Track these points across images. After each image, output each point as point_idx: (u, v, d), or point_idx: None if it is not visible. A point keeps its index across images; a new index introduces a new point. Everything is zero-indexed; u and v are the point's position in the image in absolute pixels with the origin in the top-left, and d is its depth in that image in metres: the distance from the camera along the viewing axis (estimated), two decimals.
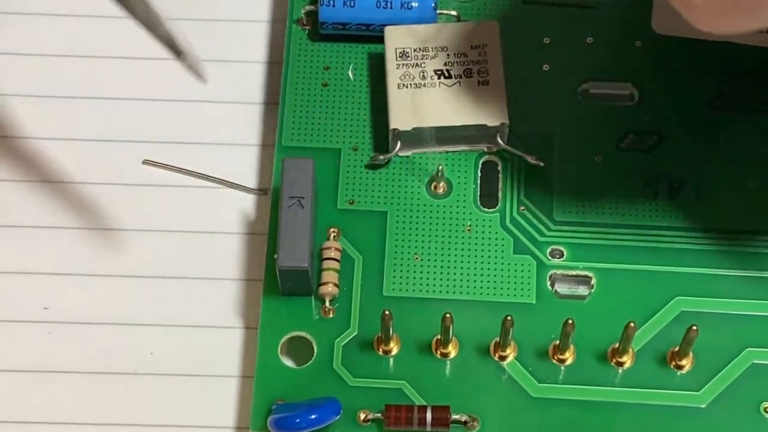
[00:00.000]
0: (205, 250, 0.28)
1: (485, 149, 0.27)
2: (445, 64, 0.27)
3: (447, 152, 0.27)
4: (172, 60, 0.29)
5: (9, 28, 0.31)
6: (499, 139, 0.27)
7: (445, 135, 0.27)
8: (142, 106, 0.30)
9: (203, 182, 0.29)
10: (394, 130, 0.27)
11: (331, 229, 0.27)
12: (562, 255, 0.26)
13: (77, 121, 0.29)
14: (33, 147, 0.29)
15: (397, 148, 0.27)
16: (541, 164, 0.27)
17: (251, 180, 0.29)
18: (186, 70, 0.25)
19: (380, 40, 0.28)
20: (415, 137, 0.27)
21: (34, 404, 0.27)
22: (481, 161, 0.27)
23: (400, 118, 0.27)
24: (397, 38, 0.27)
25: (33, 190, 0.29)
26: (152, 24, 0.25)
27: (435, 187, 0.27)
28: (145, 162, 0.29)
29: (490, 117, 0.26)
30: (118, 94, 0.30)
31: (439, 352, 0.25)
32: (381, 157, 0.27)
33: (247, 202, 0.28)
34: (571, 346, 0.25)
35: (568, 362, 0.25)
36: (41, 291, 0.28)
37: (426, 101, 0.27)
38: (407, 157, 0.27)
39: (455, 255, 0.26)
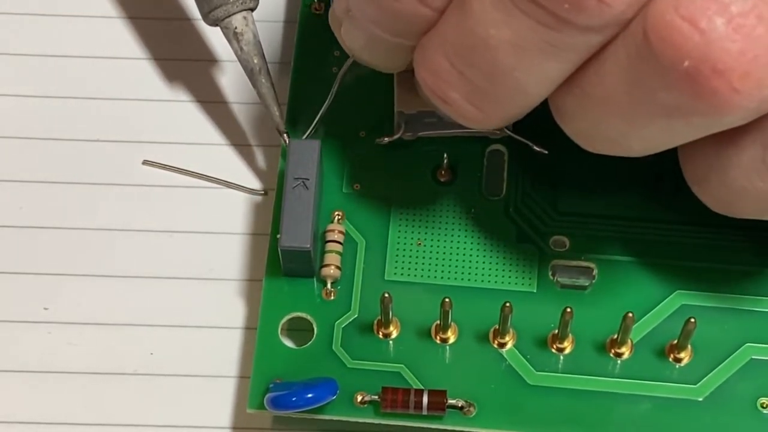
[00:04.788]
0: (205, 250, 0.33)
1: (490, 135, 0.32)
2: None
3: (452, 137, 0.32)
4: (172, 60, 0.35)
5: (8, 29, 0.36)
6: (504, 126, 0.32)
7: (450, 119, 0.30)
8: (142, 106, 0.35)
9: (203, 182, 0.34)
10: (400, 112, 0.32)
11: (336, 212, 0.32)
12: (565, 245, 0.32)
13: (77, 121, 0.34)
14: (33, 147, 0.34)
15: (402, 131, 0.32)
16: (545, 152, 0.31)
17: (252, 180, 0.34)
18: (282, 142, 0.32)
19: None
20: (420, 120, 0.32)
21: (34, 404, 0.31)
22: (487, 150, 0.33)
23: (405, 101, 0.32)
24: None
25: (33, 190, 0.34)
26: (269, 103, 0.32)
27: (440, 173, 0.32)
28: (145, 162, 0.34)
29: None
30: (117, 94, 0.35)
31: (438, 337, 0.30)
32: (386, 139, 0.32)
33: (248, 203, 0.34)
34: (570, 335, 0.30)
35: (567, 351, 0.30)
36: (41, 291, 0.32)
37: None
38: (413, 142, 0.32)
39: (458, 242, 0.31)
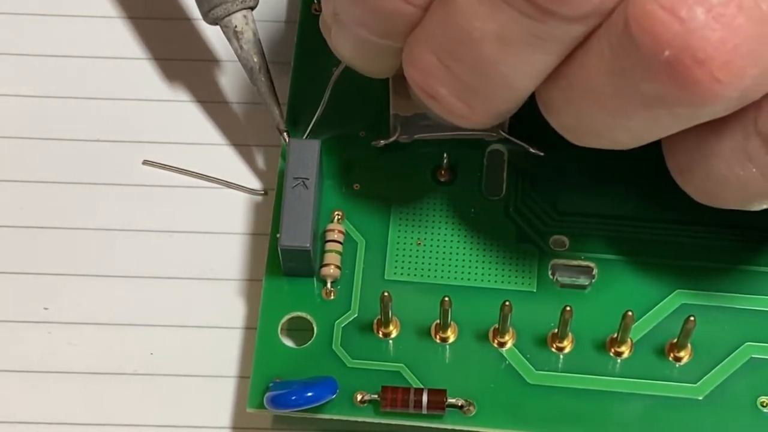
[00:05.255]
0: (205, 250, 0.33)
1: (487, 138, 0.33)
2: None
3: (448, 139, 0.32)
4: (172, 60, 0.35)
5: (9, 29, 0.36)
6: (499, 128, 0.32)
7: (446, 122, 0.31)
8: (143, 106, 0.35)
9: (203, 182, 0.34)
10: (395, 115, 0.32)
11: (336, 212, 0.32)
12: (565, 245, 0.32)
13: (77, 121, 0.35)
14: (33, 147, 0.35)
15: (398, 134, 0.32)
16: (541, 154, 0.32)
17: (252, 180, 0.34)
18: (282, 141, 0.32)
19: None
20: (416, 123, 0.32)
21: (34, 404, 0.32)
22: (487, 150, 0.33)
23: (400, 104, 0.32)
24: None
25: (33, 190, 0.34)
26: (269, 102, 0.33)
27: (440, 173, 0.33)
28: (145, 162, 0.34)
29: None
30: (117, 94, 0.35)
31: (438, 336, 0.31)
32: (382, 142, 0.32)
33: (248, 202, 0.34)
34: (570, 334, 0.30)
35: (567, 350, 0.31)
36: (41, 291, 0.33)
37: None
38: (412, 142, 0.33)
39: (458, 241, 0.32)
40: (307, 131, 0.33)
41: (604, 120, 0.28)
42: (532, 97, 0.29)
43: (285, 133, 0.33)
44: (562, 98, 0.28)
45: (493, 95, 0.28)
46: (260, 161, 0.35)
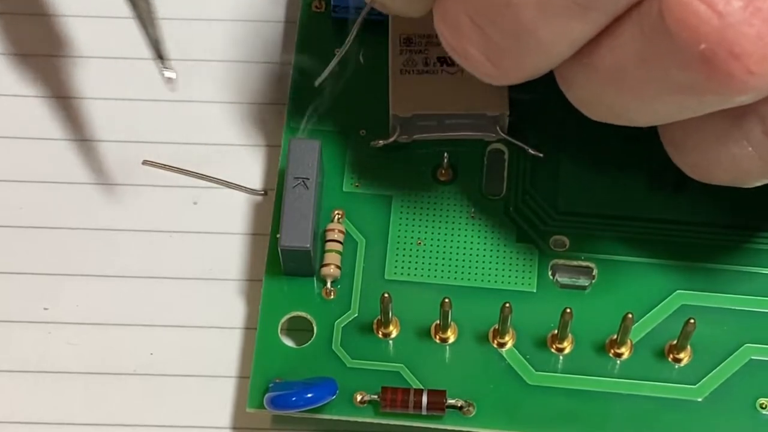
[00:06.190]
0: (205, 250, 0.33)
1: (486, 138, 0.33)
2: None
3: (448, 139, 0.33)
4: (172, 60, 0.34)
5: (9, 29, 0.36)
6: (498, 129, 0.33)
7: (445, 123, 0.32)
8: (142, 106, 0.35)
9: (203, 182, 0.34)
10: (395, 115, 0.32)
11: (336, 211, 0.32)
12: (565, 245, 0.32)
13: (77, 121, 0.35)
14: (33, 147, 0.35)
15: (397, 134, 0.33)
16: (540, 155, 0.32)
17: (252, 180, 0.34)
18: (159, 74, 0.31)
19: None
20: (415, 123, 0.32)
21: (34, 404, 0.32)
22: (487, 149, 0.33)
23: (400, 104, 0.32)
24: (402, 24, 0.33)
25: (33, 190, 0.34)
26: (146, 22, 0.31)
27: (440, 173, 0.33)
28: (145, 162, 0.34)
29: (490, 106, 0.32)
30: (117, 94, 0.35)
31: (438, 337, 0.31)
32: (381, 142, 0.33)
33: (248, 203, 0.34)
34: (570, 335, 0.31)
35: (567, 351, 0.31)
36: (41, 291, 0.33)
37: (428, 88, 0.32)
38: (412, 142, 0.33)
39: (458, 241, 0.32)
40: (321, 77, 0.33)
41: (626, 101, 0.28)
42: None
43: (165, 71, 0.30)
44: (584, 77, 0.28)
45: (526, 59, 0.28)
46: (260, 161, 0.35)
